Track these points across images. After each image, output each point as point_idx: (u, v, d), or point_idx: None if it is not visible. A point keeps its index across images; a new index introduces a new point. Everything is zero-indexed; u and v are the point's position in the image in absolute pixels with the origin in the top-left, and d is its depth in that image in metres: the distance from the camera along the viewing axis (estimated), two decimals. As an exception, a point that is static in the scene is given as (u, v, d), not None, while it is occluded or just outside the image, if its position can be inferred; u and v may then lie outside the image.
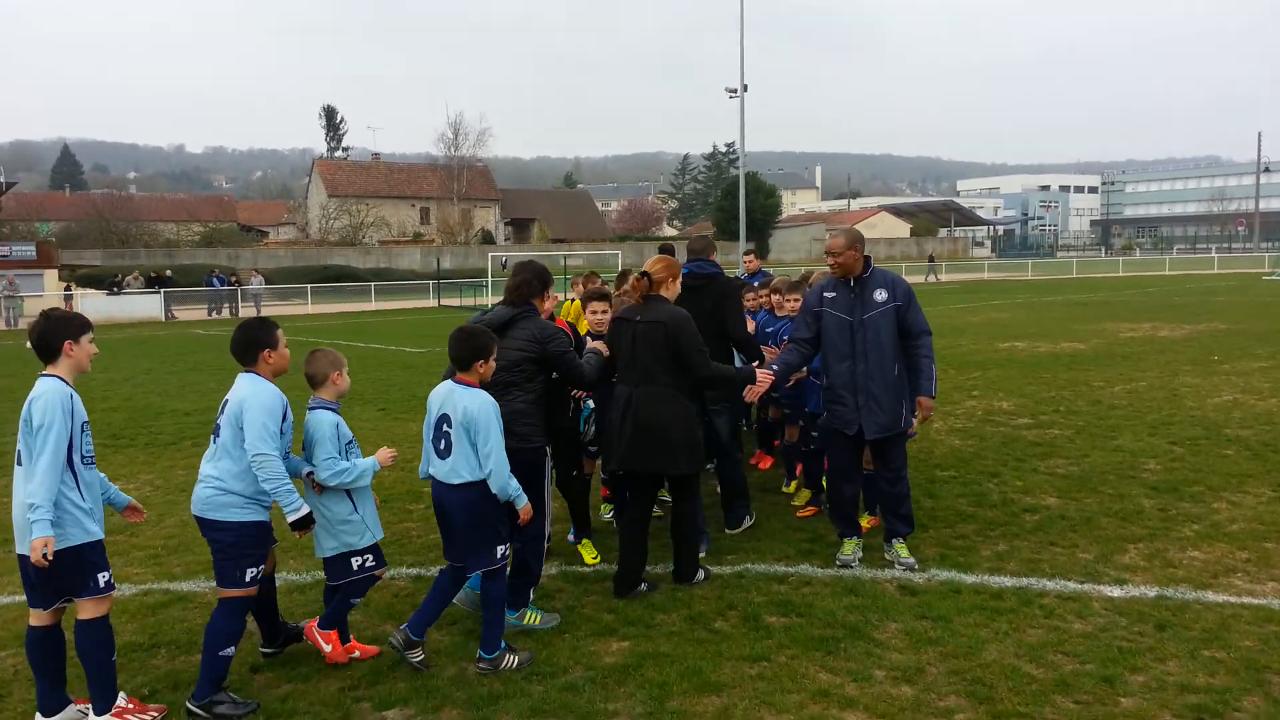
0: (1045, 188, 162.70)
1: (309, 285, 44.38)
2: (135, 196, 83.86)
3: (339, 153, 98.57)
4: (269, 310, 40.82)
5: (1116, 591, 5.57)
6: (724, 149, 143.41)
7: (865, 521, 6.77)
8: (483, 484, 4.74)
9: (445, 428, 4.79)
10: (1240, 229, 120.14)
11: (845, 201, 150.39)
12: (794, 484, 8.07)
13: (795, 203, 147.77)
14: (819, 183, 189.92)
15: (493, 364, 4.91)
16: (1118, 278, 53.90)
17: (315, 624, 4.87)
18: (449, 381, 4.90)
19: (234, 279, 41.30)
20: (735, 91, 50.26)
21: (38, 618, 4.20)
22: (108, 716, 4.23)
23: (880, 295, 6.09)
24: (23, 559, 4.07)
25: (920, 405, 6.15)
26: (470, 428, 4.71)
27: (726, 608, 5.51)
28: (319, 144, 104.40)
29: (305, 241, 73.34)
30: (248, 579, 4.48)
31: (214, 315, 39.09)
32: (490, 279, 42.21)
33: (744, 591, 5.75)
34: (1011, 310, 29.14)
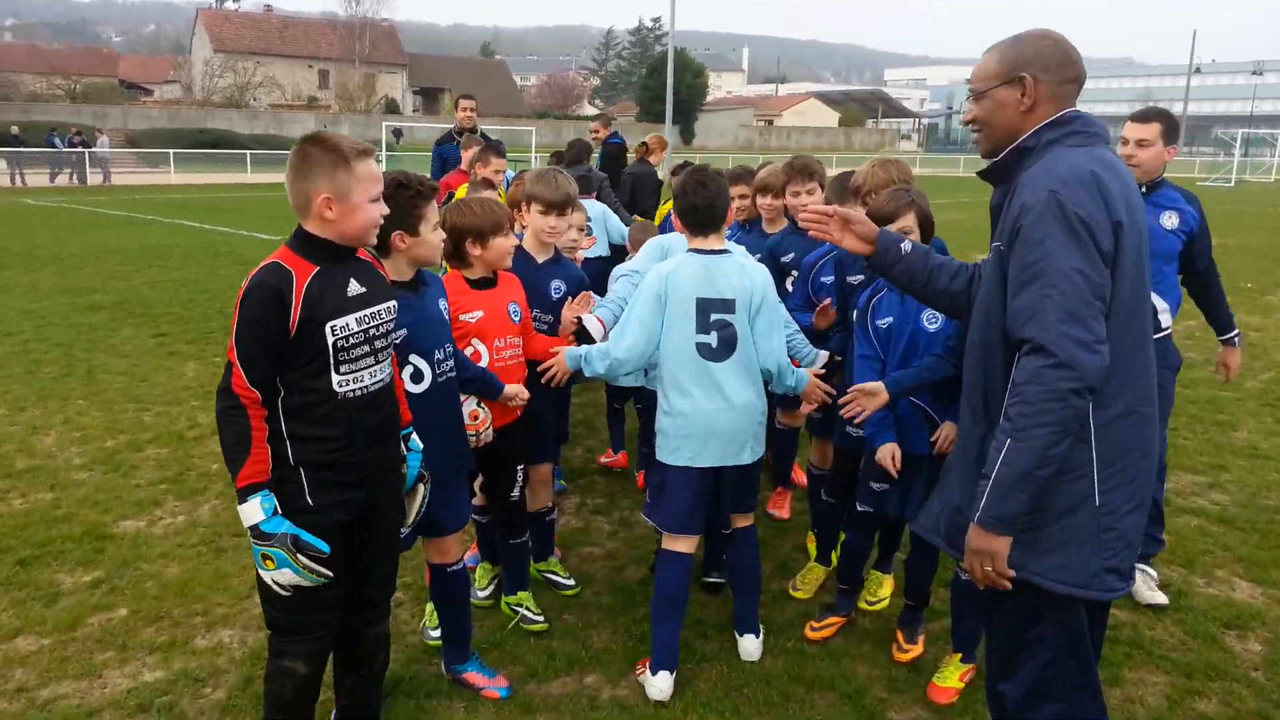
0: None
1: (173, 151, 38.64)
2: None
3: (229, 3, 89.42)
4: (124, 179, 35.35)
5: None
6: (650, 24, 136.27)
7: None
8: None
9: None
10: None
11: (773, 86, 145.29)
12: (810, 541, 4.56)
13: (721, 85, 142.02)
14: (745, 66, 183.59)
15: None
16: (1057, 178, 51.29)
17: None
18: None
19: (76, 135, 35.10)
20: (666, -47, 45.12)
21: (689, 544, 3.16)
22: None
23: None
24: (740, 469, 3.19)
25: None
26: None
27: None
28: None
29: (185, 102, 65.92)
30: None
31: (55, 182, 33.48)
32: (384, 152, 37.21)
33: None
34: (962, 211, 25.47)
